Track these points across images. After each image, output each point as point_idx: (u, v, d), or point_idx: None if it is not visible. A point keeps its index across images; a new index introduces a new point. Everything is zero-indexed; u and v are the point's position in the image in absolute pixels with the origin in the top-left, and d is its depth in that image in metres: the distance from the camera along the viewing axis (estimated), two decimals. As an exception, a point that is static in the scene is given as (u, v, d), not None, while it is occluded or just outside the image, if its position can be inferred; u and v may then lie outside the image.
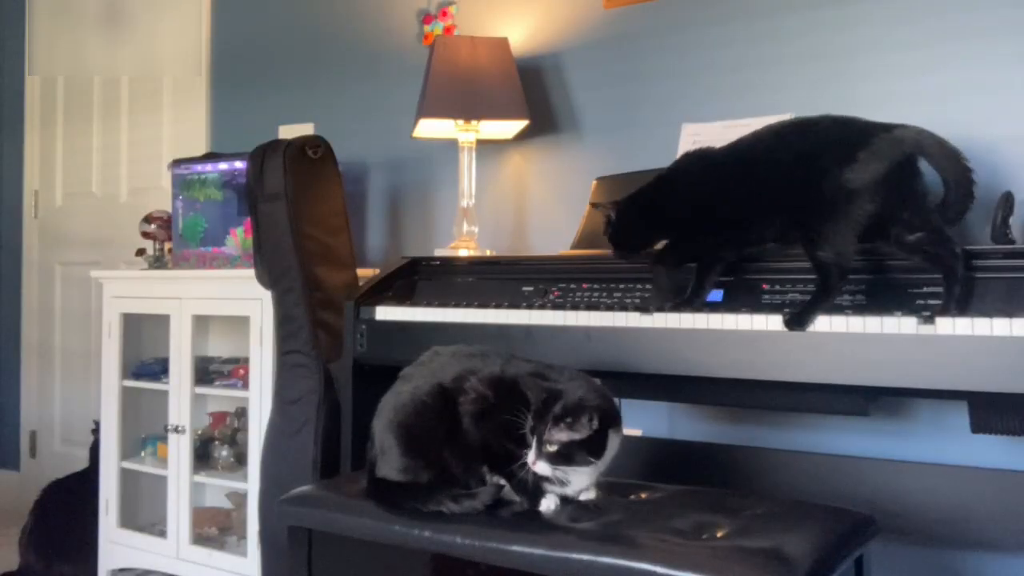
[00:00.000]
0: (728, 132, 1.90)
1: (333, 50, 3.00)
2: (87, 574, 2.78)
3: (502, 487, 1.37)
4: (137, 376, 2.81)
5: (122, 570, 2.80)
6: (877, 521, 1.40)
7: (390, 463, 1.43)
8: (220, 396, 2.73)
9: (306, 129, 2.91)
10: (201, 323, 2.73)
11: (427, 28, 2.76)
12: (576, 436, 1.29)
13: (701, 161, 1.70)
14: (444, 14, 2.73)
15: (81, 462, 2.99)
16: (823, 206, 1.48)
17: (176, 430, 2.63)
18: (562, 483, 1.34)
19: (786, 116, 1.92)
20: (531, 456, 1.30)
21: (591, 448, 1.31)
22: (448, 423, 1.39)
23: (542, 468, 1.30)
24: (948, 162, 1.46)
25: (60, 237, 3.76)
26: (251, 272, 2.38)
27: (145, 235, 2.90)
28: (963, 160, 1.46)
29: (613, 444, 1.34)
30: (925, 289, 1.50)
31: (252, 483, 2.45)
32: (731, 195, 1.62)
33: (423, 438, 1.41)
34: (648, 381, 1.68)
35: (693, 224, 1.68)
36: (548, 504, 1.36)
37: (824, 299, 1.48)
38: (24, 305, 3.86)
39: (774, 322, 1.52)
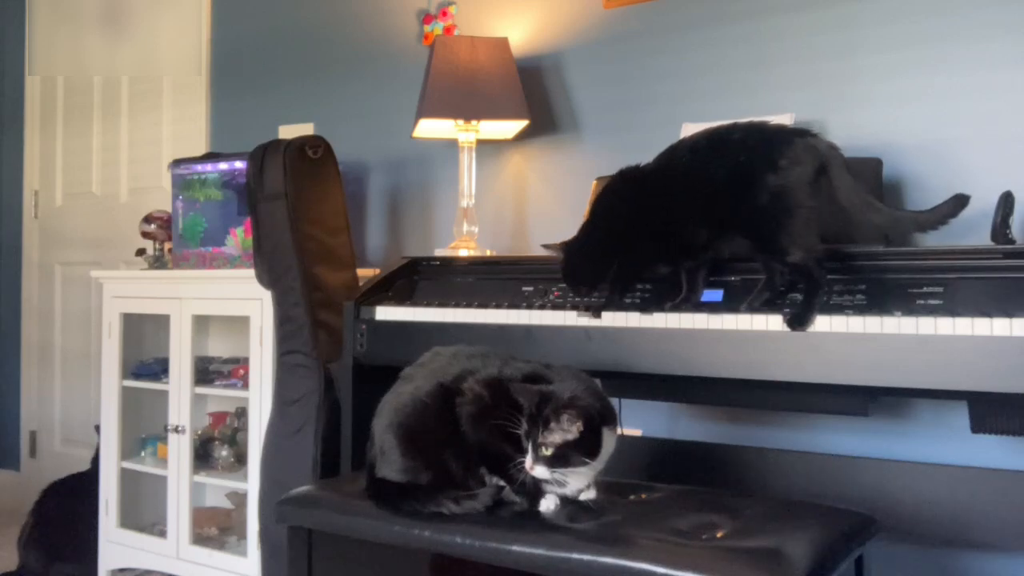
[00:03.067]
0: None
1: (333, 50, 3.00)
2: (87, 574, 2.78)
3: (502, 488, 1.37)
4: (137, 376, 2.81)
5: (122, 570, 2.80)
6: (877, 521, 1.40)
7: (390, 464, 1.43)
8: (220, 396, 2.73)
9: (306, 129, 2.91)
10: (201, 323, 2.73)
11: (427, 28, 2.76)
12: (569, 437, 1.29)
13: (630, 181, 1.71)
14: (444, 14, 2.73)
15: (81, 463, 2.99)
16: (767, 219, 1.52)
17: (176, 430, 2.63)
18: (560, 484, 1.34)
19: (786, 116, 1.93)
20: (528, 461, 1.30)
21: (585, 448, 1.31)
22: (448, 424, 1.39)
23: (540, 472, 1.30)
24: (843, 183, 1.51)
25: (60, 237, 3.76)
26: (251, 272, 2.38)
27: (145, 235, 2.90)
28: (856, 190, 1.51)
29: (608, 443, 1.34)
30: (925, 289, 1.50)
31: (252, 483, 2.45)
32: (659, 211, 1.65)
33: (423, 439, 1.41)
34: (648, 381, 1.68)
35: (632, 243, 1.69)
36: (548, 504, 1.36)
37: (817, 294, 1.50)
38: (24, 305, 3.86)
39: (774, 322, 1.52)
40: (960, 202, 1.49)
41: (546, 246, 1.79)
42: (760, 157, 1.53)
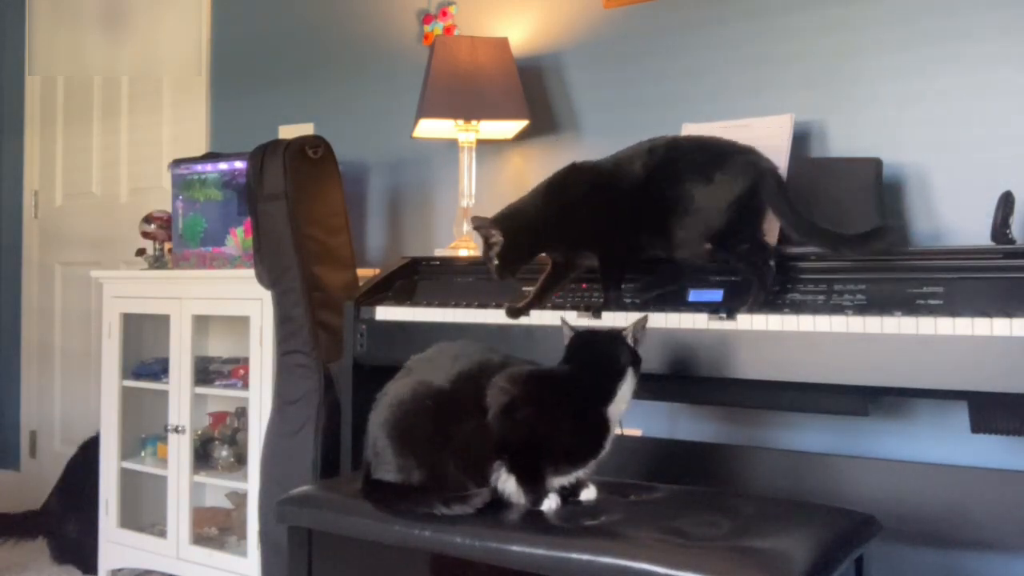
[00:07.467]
0: (728, 132, 1.90)
1: (333, 50, 3.00)
2: (88, 541, 2.80)
3: (494, 491, 1.37)
4: (137, 376, 2.81)
5: (122, 570, 2.80)
6: (877, 521, 1.40)
7: (384, 463, 1.42)
8: (220, 396, 2.73)
9: (306, 129, 2.91)
10: (201, 323, 2.73)
11: (427, 28, 2.76)
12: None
13: (587, 174, 1.79)
14: (444, 14, 2.73)
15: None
16: (680, 217, 1.64)
17: (176, 430, 2.63)
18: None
19: (786, 116, 1.93)
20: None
21: None
22: (445, 423, 1.38)
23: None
24: (777, 203, 1.61)
25: (60, 237, 3.76)
26: (251, 272, 2.38)
27: (145, 235, 2.90)
28: (791, 206, 1.60)
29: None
30: (925, 289, 1.50)
31: (252, 483, 2.45)
32: (613, 205, 1.72)
33: (416, 437, 1.40)
34: (648, 381, 1.68)
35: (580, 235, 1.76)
36: (549, 504, 1.36)
37: (671, 284, 1.67)
38: (24, 305, 3.86)
39: (774, 322, 1.52)
40: (884, 232, 1.52)
41: (476, 218, 1.80)
42: (698, 170, 1.63)
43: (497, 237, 1.74)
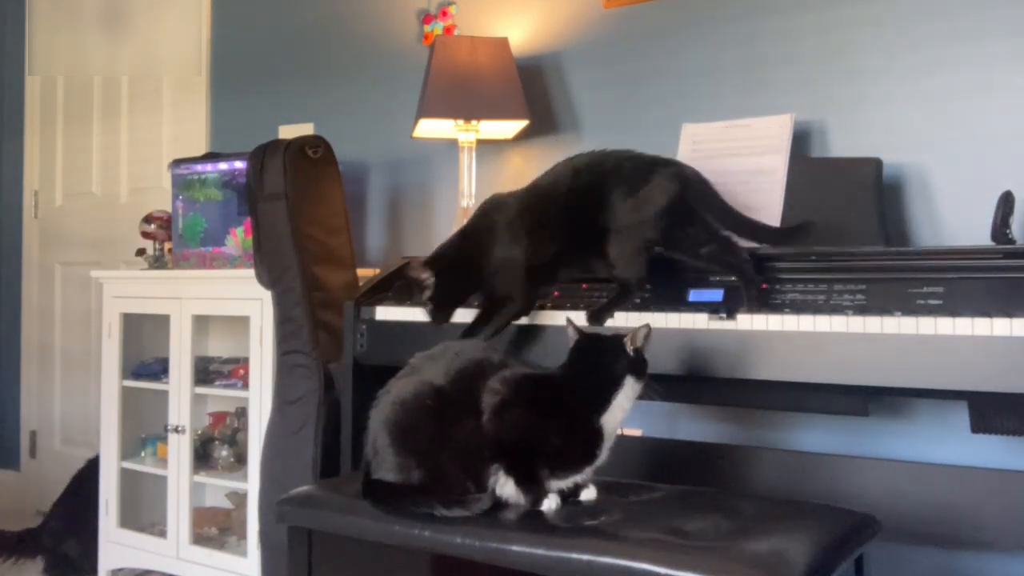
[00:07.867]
0: (728, 132, 1.90)
1: (333, 50, 3.00)
2: (88, 562, 2.78)
3: (493, 494, 1.37)
4: (137, 376, 2.81)
5: (122, 570, 2.80)
6: (877, 521, 1.40)
7: (383, 461, 1.42)
8: (220, 396, 2.73)
9: (306, 129, 2.91)
10: (201, 323, 2.73)
11: (427, 28, 2.76)
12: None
13: (502, 211, 1.77)
14: (444, 14, 2.73)
15: (81, 463, 2.98)
16: (611, 235, 1.64)
17: (176, 430, 2.63)
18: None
19: (786, 116, 1.93)
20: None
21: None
22: (447, 421, 1.38)
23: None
24: (706, 206, 1.65)
25: (60, 237, 3.76)
26: (251, 272, 2.39)
27: (145, 235, 2.90)
28: (718, 202, 1.65)
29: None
30: (925, 289, 1.50)
31: (252, 483, 2.45)
32: (548, 228, 1.72)
33: (416, 436, 1.40)
34: (648, 381, 1.69)
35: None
36: (549, 504, 1.36)
37: (622, 302, 1.66)
38: (24, 305, 3.86)
39: (774, 322, 1.52)
40: (807, 228, 1.60)
41: (408, 258, 1.78)
42: (622, 186, 1.64)
43: (430, 280, 1.71)
